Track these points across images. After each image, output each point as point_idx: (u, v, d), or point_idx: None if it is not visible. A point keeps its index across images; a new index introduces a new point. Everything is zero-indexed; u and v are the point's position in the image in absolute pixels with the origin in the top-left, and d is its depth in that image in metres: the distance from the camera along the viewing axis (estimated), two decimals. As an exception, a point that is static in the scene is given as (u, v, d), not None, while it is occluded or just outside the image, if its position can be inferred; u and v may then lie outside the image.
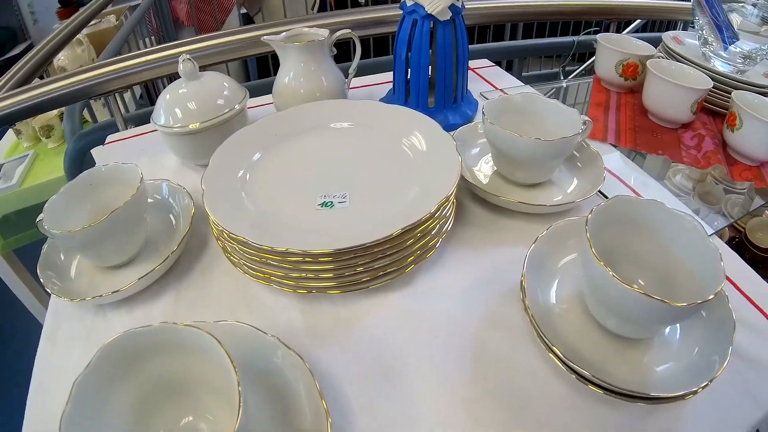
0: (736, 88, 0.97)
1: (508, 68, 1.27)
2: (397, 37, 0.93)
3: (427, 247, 0.65)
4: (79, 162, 1.39)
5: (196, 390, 0.49)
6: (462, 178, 0.69)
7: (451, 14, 0.87)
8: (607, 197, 0.78)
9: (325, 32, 0.91)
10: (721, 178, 0.95)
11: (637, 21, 1.77)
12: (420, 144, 0.77)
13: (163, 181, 0.80)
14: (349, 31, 0.94)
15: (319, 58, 0.91)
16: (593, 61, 1.18)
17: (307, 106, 0.85)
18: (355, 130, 0.82)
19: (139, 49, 1.25)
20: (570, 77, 1.44)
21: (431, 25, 0.88)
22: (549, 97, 0.82)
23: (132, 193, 0.65)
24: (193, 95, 0.84)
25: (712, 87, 0.97)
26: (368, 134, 0.81)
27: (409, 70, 0.94)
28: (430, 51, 0.91)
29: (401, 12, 0.93)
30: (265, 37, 0.90)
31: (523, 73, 2.10)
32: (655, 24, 2.32)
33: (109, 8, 2.72)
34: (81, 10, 1.75)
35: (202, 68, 0.86)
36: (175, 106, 0.83)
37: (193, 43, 1.25)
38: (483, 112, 0.75)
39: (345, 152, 0.79)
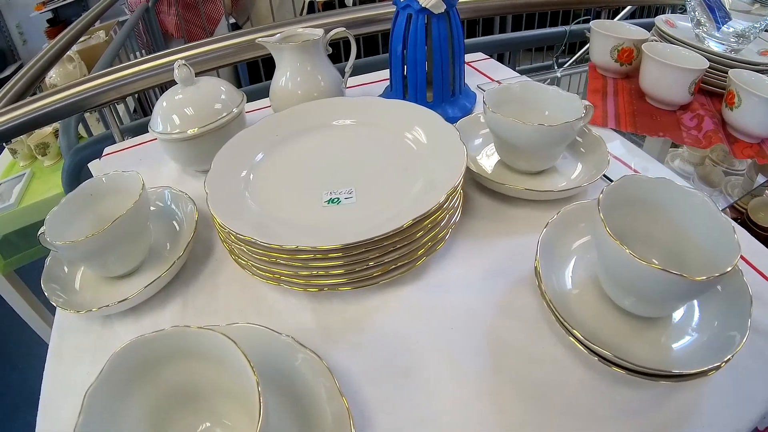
0: (732, 68, 0.97)
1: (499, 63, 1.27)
2: (392, 33, 0.92)
3: (437, 239, 0.64)
4: (77, 176, 1.38)
5: (211, 395, 0.48)
6: (466, 168, 0.68)
7: (445, 7, 0.86)
8: (612, 181, 0.78)
9: (319, 32, 0.91)
10: (719, 160, 0.95)
11: (627, 8, 1.77)
12: (423, 136, 0.76)
13: (165, 188, 0.79)
14: (343, 29, 0.93)
15: (314, 58, 0.90)
16: (586, 50, 1.18)
17: (308, 105, 0.85)
18: (358, 127, 0.82)
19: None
20: (563, 67, 1.43)
21: (426, 20, 0.88)
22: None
23: (134, 200, 0.64)
24: (190, 101, 0.83)
25: (708, 67, 0.97)
26: (371, 130, 0.81)
27: (406, 65, 0.93)
28: (426, 45, 0.90)
29: (393, 9, 0.92)
30: (259, 39, 0.89)
31: (516, 68, 2.10)
32: (643, 10, 2.32)
33: (98, 24, 2.72)
34: (70, 26, 1.74)
35: (196, 75, 0.85)
36: (172, 112, 0.82)
37: (186, 50, 1.24)
38: (484, 102, 0.74)
39: (348, 148, 0.78)
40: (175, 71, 0.82)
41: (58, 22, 4.48)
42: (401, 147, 0.76)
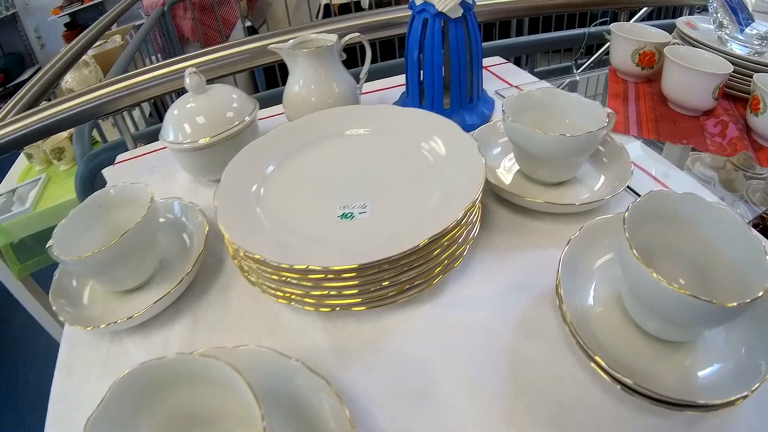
0: (756, 71, 0.94)
1: (517, 66, 1.24)
2: (408, 38, 0.91)
3: (455, 256, 0.62)
4: (91, 183, 1.38)
5: (219, 419, 0.46)
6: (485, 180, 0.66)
7: (462, 11, 0.84)
8: (637, 193, 0.75)
9: (333, 37, 0.89)
10: (740, 164, 0.92)
11: (644, 9, 1.74)
12: (440, 147, 0.74)
13: (175, 199, 0.77)
14: (358, 34, 0.92)
15: (328, 64, 0.88)
16: (604, 52, 1.16)
17: (320, 114, 0.83)
18: (372, 137, 0.80)
19: (145, 67, 1.23)
20: (581, 69, 1.41)
21: (442, 24, 0.86)
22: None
23: (143, 214, 0.63)
24: (201, 109, 0.82)
25: (732, 71, 0.94)
26: (386, 140, 0.78)
27: (422, 71, 0.91)
28: (443, 50, 0.88)
29: (409, 13, 0.90)
30: (272, 45, 0.88)
31: (534, 69, 2.08)
32: (661, 11, 2.28)
33: (114, 28, 2.73)
34: (86, 31, 1.74)
35: (210, 81, 0.84)
36: (183, 121, 0.81)
37: (199, 56, 1.23)
38: (503, 110, 0.72)
39: (362, 160, 0.76)
40: (186, 79, 0.81)
41: (75, 26, 4.53)
42: (417, 158, 0.74)
